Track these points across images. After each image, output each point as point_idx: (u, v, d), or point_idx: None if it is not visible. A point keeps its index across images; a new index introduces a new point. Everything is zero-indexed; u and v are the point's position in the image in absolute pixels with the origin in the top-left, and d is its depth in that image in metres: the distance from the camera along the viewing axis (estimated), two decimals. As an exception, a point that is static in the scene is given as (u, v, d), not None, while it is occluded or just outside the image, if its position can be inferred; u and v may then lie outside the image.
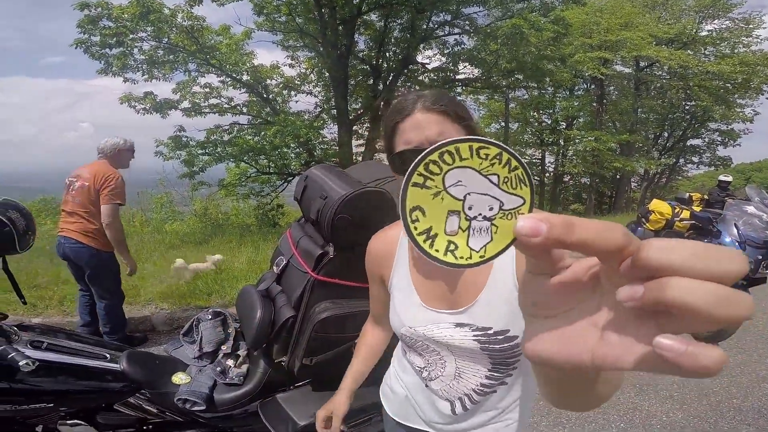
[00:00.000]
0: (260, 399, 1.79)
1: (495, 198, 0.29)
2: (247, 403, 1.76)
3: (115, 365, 1.65)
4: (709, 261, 0.22)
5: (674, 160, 17.92)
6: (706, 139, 17.29)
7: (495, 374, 0.90)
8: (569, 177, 16.38)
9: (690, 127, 16.67)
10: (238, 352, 1.87)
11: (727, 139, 16.42)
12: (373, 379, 1.91)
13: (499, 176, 0.29)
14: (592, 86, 14.72)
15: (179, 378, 1.72)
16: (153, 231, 7.68)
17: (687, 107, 16.12)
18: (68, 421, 1.61)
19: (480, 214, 0.29)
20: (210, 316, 1.97)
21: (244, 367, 1.83)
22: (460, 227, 0.29)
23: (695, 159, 17.94)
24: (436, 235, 0.29)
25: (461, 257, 0.29)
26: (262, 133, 9.82)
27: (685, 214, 4.10)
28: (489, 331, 0.84)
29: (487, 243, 0.29)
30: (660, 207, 4.26)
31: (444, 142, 0.28)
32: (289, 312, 1.61)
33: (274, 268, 1.81)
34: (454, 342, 0.88)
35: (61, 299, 3.86)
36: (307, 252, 1.62)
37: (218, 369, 1.80)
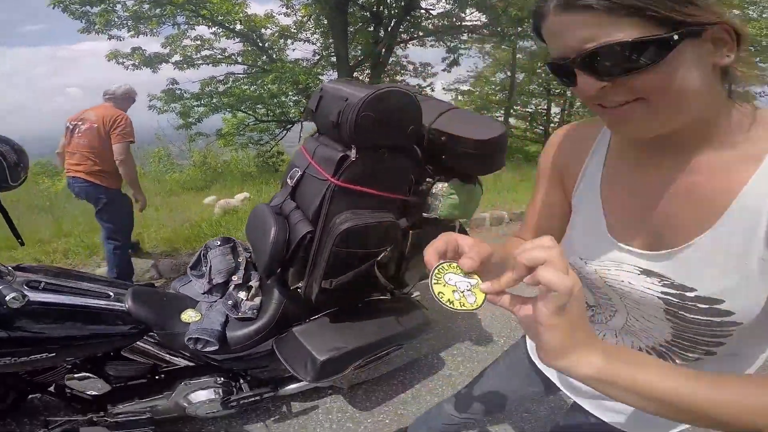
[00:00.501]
0: (275, 335, 1.71)
1: (467, 281, 0.56)
2: (262, 340, 1.68)
3: (119, 305, 1.55)
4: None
5: None
6: None
7: (671, 349, 0.69)
8: None
9: None
10: (250, 283, 1.79)
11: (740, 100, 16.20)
12: (399, 310, 1.87)
13: (463, 273, 0.56)
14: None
15: (188, 315, 1.63)
16: (153, 180, 7.56)
17: None
18: (76, 375, 1.53)
19: (465, 289, 0.55)
20: (219, 242, 1.88)
21: (257, 300, 1.75)
22: (459, 293, 0.55)
23: None
24: (450, 300, 0.54)
25: (464, 306, 0.54)
26: (259, 81, 9.58)
27: None
28: (688, 293, 0.60)
29: (475, 299, 0.54)
30: None
31: (434, 268, 0.57)
32: (306, 227, 1.50)
33: (288, 181, 1.68)
34: (633, 293, 0.66)
35: (65, 252, 3.80)
36: (326, 158, 1.50)
37: (229, 302, 1.72)
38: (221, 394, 1.74)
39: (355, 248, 1.47)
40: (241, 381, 1.83)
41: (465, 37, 11.41)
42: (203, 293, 1.81)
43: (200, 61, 10.02)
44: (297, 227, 1.53)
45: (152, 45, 9.90)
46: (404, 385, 2.31)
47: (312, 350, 1.56)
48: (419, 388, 2.31)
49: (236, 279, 1.79)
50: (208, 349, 1.58)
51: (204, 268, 1.85)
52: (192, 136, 9.91)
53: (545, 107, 14.60)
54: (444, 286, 0.55)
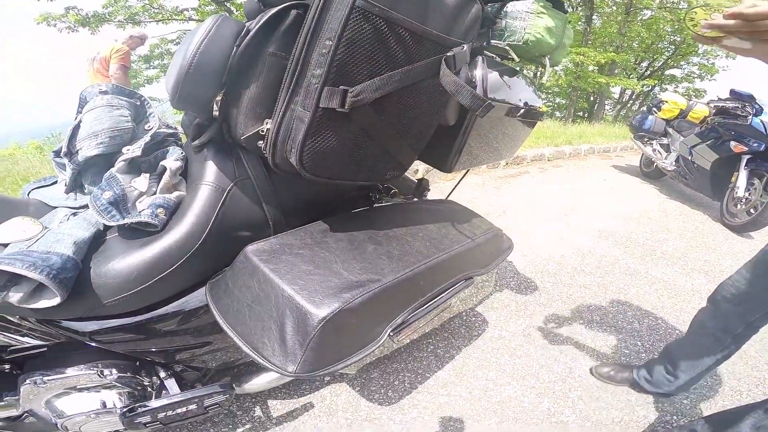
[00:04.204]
0: (210, 272, 0.90)
1: None
2: (175, 284, 0.85)
3: None
4: None
5: (650, 88, 18.12)
6: (686, 71, 17.50)
7: None
8: (545, 96, 16.31)
9: (672, 57, 16.69)
10: (164, 162, 0.95)
11: (705, 73, 16.73)
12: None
13: None
14: (580, 6, 14.07)
15: (14, 229, 0.78)
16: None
17: (672, 39, 16.04)
18: None
19: None
20: (106, 90, 1.00)
21: (174, 194, 0.91)
22: None
23: (670, 88, 18.22)
24: None
25: None
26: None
27: (702, 110, 3.94)
28: None
29: None
30: (674, 98, 4.21)
31: None
32: None
33: None
34: None
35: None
36: None
37: (111, 197, 0.85)
38: (122, 400, 0.90)
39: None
40: (162, 373, 0.99)
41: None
42: (68, 193, 0.99)
43: (148, 19, 9.08)
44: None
45: (94, 4, 8.91)
46: (439, 360, 1.59)
47: (298, 297, 0.74)
48: (462, 360, 1.59)
49: (131, 151, 0.94)
50: (37, 304, 0.73)
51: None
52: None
53: None
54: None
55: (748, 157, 3.17)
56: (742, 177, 3.16)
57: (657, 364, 1.40)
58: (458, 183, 1.60)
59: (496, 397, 1.43)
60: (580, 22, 13.58)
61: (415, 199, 1.40)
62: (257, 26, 0.80)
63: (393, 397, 1.40)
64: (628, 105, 18.09)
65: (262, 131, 0.86)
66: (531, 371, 1.57)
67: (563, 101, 16.99)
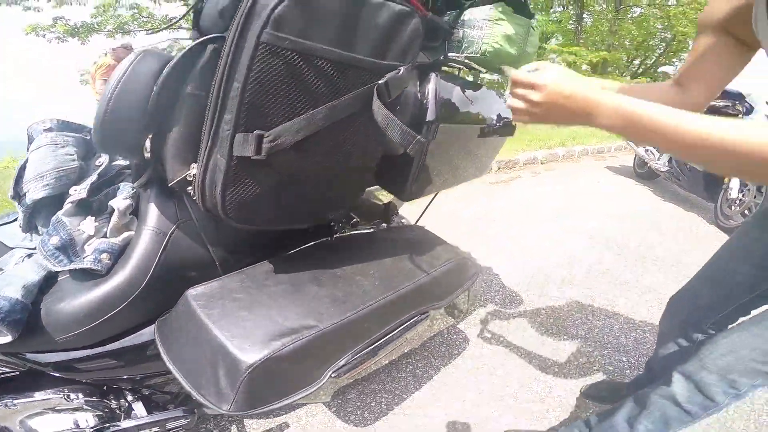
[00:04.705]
0: (159, 311, 0.91)
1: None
2: (121, 322, 0.85)
3: None
4: None
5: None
6: (678, 67, 17.68)
7: None
8: None
9: (664, 54, 16.69)
10: (113, 202, 0.91)
11: (697, 70, 16.99)
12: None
13: None
14: (571, 5, 14.12)
15: None
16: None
17: (663, 36, 16.06)
18: None
19: None
20: (50, 126, 0.98)
21: (121, 237, 0.88)
22: None
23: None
24: None
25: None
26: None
27: None
28: None
29: None
30: None
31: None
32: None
33: None
34: None
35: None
36: None
37: (58, 242, 0.85)
38: (92, 421, 0.91)
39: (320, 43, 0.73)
40: (130, 397, 0.98)
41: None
42: (25, 233, 0.98)
43: (138, 29, 9.05)
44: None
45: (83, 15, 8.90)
46: (417, 380, 1.52)
47: (227, 342, 0.74)
48: (440, 380, 1.53)
49: (78, 192, 0.92)
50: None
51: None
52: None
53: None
54: None
55: None
56: (735, 178, 3.09)
57: (643, 380, 1.34)
58: (426, 207, 1.52)
59: (472, 418, 1.39)
60: (570, 21, 13.64)
61: (383, 225, 1.32)
62: (172, 64, 0.73)
63: (369, 419, 1.36)
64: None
65: (190, 177, 0.80)
66: (509, 391, 1.50)
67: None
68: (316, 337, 0.78)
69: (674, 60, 17.10)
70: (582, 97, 0.62)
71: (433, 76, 0.95)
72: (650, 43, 16.28)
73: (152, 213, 0.88)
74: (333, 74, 0.74)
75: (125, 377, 0.95)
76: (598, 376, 1.59)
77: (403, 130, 0.75)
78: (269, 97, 0.70)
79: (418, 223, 1.44)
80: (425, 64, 0.96)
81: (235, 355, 0.71)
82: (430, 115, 0.92)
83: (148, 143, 0.84)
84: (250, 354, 0.71)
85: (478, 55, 0.93)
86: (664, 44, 16.31)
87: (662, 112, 0.57)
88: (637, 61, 17.57)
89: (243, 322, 0.77)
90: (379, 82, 0.79)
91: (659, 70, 17.52)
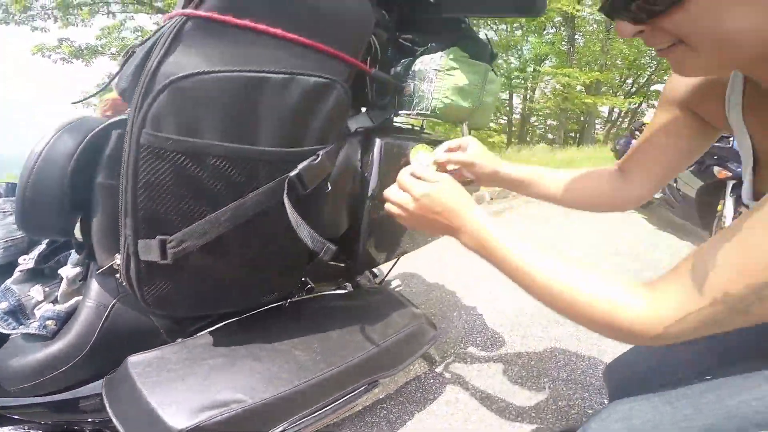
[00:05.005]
0: (105, 369, 0.93)
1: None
2: (66, 379, 0.89)
3: None
4: None
5: (637, 105, 18.43)
6: None
7: None
8: (535, 118, 16.59)
9: (655, 72, 16.89)
10: (63, 270, 0.91)
11: (689, 88, 17.31)
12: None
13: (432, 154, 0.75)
14: (563, 27, 14.43)
15: None
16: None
17: (654, 54, 16.45)
18: None
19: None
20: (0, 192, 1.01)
21: (72, 301, 0.91)
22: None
23: (656, 104, 18.53)
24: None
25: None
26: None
27: None
28: None
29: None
30: None
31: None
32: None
33: None
34: None
35: None
36: None
37: (7, 308, 0.87)
38: None
39: (203, 119, 0.64)
40: None
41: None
42: None
43: None
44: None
45: (87, 37, 9.01)
46: (391, 426, 1.43)
47: (158, 409, 0.75)
48: (414, 426, 1.44)
49: (26, 261, 0.96)
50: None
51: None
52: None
53: (507, 98, 14.63)
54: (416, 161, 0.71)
55: (733, 182, 2.97)
56: (728, 205, 2.98)
57: None
58: (391, 269, 1.46)
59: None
60: (563, 42, 13.89)
61: (348, 285, 1.26)
62: (81, 148, 0.69)
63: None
64: (618, 123, 18.42)
65: (116, 265, 0.77)
66: (483, 439, 1.42)
67: (554, 122, 17.38)
68: (245, 410, 0.79)
69: (665, 78, 17.53)
70: (452, 214, 0.63)
71: (377, 142, 0.85)
72: (641, 61, 16.55)
73: (94, 287, 0.89)
74: (232, 172, 0.66)
75: (85, 421, 0.99)
76: (576, 420, 1.51)
77: (313, 236, 0.68)
78: (163, 203, 0.64)
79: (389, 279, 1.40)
80: (368, 128, 0.86)
81: (165, 421, 0.74)
82: (371, 189, 0.84)
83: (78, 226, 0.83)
84: (179, 421, 0.74)
85: (429, 113, 0.86)
86: (655, 62, 16.54)
87: (510, 246, 0.58)
88: (630, 80, 17.85)
89: (176, 392, 0.79)
90: (290, 174, 0.69)
91: (652, 88, 17.81)
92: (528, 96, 14.65)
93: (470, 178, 0.82)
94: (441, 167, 0.77)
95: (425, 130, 1.06)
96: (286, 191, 0.68)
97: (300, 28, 0.67)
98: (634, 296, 0.50)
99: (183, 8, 0.61)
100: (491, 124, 13.80)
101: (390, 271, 1.46)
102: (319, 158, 0.71)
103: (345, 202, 0.84)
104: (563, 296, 0.52)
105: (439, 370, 1.73)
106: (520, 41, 14.56)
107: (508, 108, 14.57)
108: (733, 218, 2.96)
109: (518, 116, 17.08)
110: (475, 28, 0.92)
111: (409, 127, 1.02)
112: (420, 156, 0.74)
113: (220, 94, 0.61)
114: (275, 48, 0.65)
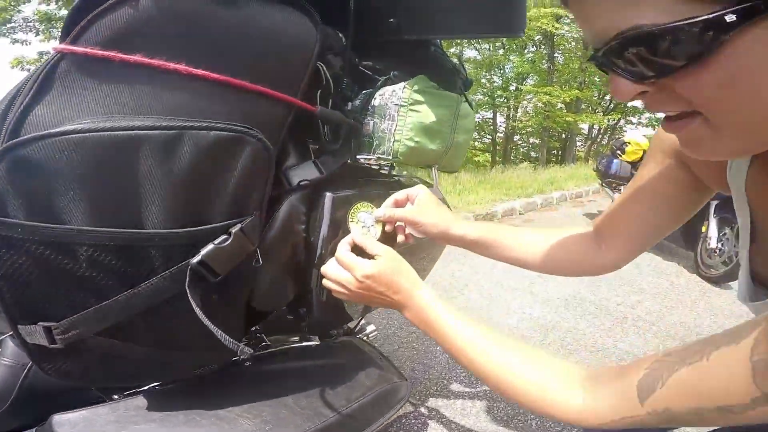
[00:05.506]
0: (34, 422, 0.84)
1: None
2: None
3: None
4: None
5: (615, 121, 18.85)
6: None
7: None
8: (519, 137, 16.72)
9: None
10: None
11: (666, 102, 17.86)
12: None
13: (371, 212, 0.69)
14: (543, 45, 14.75)
15: None
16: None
17: None
18: None
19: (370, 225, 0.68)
20: None
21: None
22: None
23: (634, 120, 18.83)
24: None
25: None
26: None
27: None
28: None
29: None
30: (637, 139, 4.14)
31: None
32: None
33: None
34: None
35: None
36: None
37: None
38: None
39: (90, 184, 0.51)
40: None
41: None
42: None
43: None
44: None
45: None
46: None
47: None
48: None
49: None
50: None
51: None
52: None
53: (491, 117, 14.82)
54: (356, 223, 0.67)
55: (716, 203, 2.96)
56: (712, 226, 2.98)
57: None
58: (361, 318, 1.32)
59: None
60: (544, 61, 14.18)
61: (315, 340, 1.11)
62: None
63: None
64: (598, 140, 18.56)
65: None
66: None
67: (537, 141, 17.52)
68: None
69: (644, 94, 18.10)
70: (396, 293, 0.61)
71: (327, 197, 0.70)
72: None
73: (9, 346, 0.82)
74: (114, 263, 0.52)
75: None
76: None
77: (224, 338, 0.54)
78: (33, 294, 0.51)
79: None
80: (314, 180, 0.69)
81: None
82: (318, 256, 0.69)
83: None
84: None
85: (390, 157, 0.71)
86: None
87: (453, 327, 0.57)
88: (608, 97, 18.22)
89: None
90: (193, 261, 0.54)
91: (629, 104, 18.23)
92: (511, 114, 14.88)
93: (417, 237, 0.72)
94: (389, 222, 0.71)
95: (394, 173, 0.90)
96: (187, 282, 0.54)
97: (213, 60, 0.52)
98: (571, 391, 0.47)
99: (60, 42, 0.47)
100: (476, 143, 13.78)
101: (359, 322, 1.31)
102: (231, 238, 0.56)
103: (289, 272, 0.70)
104: (501, 384, 0.51)
105: (422, 410, 1.59)
106: (503, 60, 14.74)
107: (491, 127, 14.73)
108: (718, 239, 2.93)
109: (502, 135, 17.19)
110: (454, 48, 0.81)
111: (376, 167, 0.86)
112: (361, 217, 0.69)
113: (79, 163, 0.47)
114: (178, 89, 0.51)
